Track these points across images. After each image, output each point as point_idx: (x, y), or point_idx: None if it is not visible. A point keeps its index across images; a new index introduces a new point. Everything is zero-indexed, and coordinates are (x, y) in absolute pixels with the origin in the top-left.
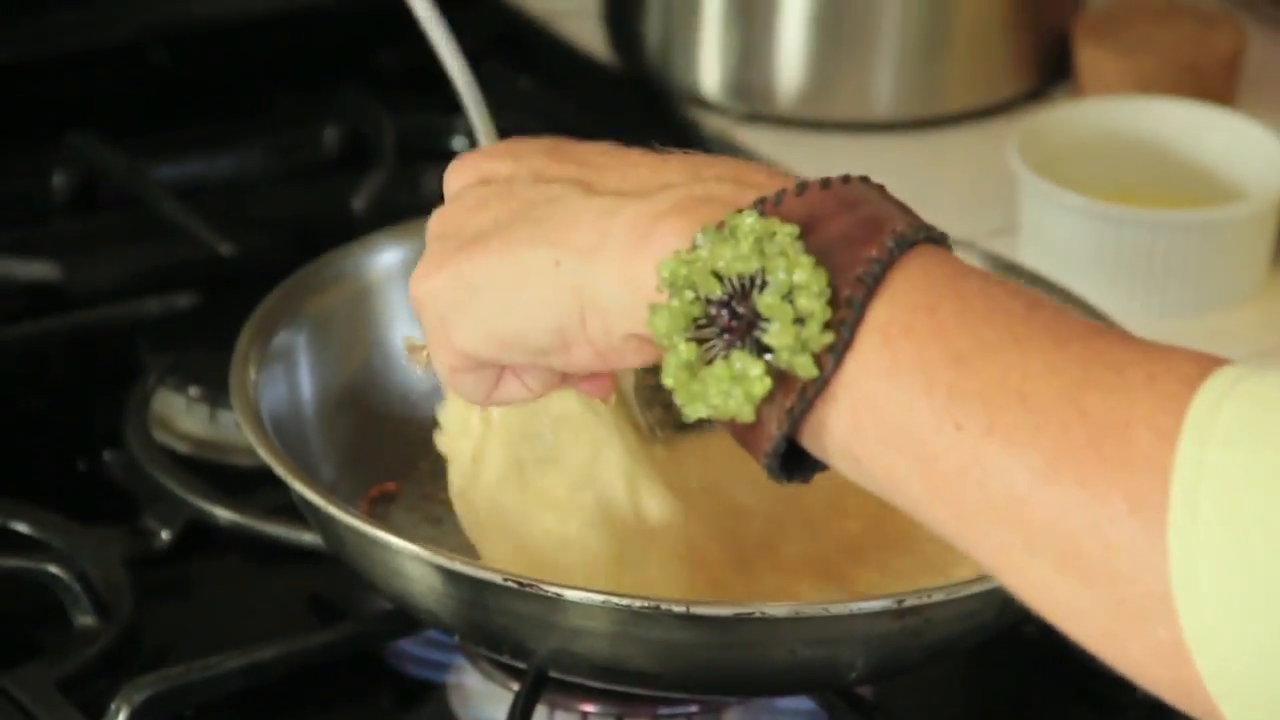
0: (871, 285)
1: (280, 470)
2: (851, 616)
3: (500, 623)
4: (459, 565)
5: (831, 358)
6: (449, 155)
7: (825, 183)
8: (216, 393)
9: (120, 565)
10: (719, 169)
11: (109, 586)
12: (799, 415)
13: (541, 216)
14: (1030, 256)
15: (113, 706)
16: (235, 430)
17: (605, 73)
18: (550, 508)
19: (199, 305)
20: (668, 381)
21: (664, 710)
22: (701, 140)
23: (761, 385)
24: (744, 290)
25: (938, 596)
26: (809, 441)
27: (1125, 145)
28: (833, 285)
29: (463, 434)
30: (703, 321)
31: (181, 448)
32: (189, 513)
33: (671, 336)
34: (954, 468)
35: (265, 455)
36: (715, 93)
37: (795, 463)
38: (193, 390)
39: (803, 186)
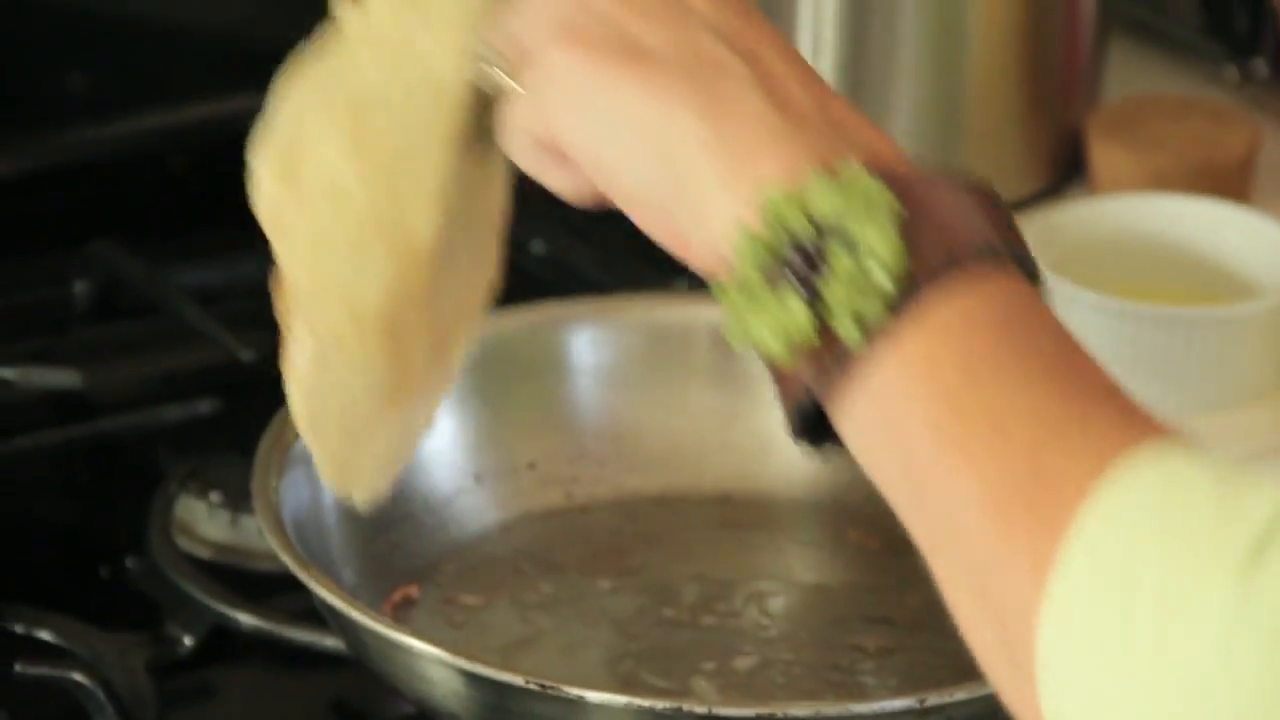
0: (943, 282)
1: (302, 575)
2: (875, 716)
3: None
4: (481, 669)
5: (879, 335)
6: None
7: (944, 170)
8: (238, 498)
9: (144, 672)
10: (853, 118)
11: (133, 694)
12: (832, 378)
13: (707, 83)
14: None
15: None
16: (257, 535)
17: None
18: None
19: (220, 411)
20: (721, 298)
21: None
22: None
23: (803, 334)
24: (823, 239)
25: (960, 695)
26: (833, 412)
27: (1140, 242)
28: (909, 268)
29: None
30: (778, 256)
31: (204, 553)
32: (212, 618)
33: (744, 263)
34: (928, 480)
35: (287, 560)
36: None
37: (820, 433)
38: (214, 496)
39: (921, 163)
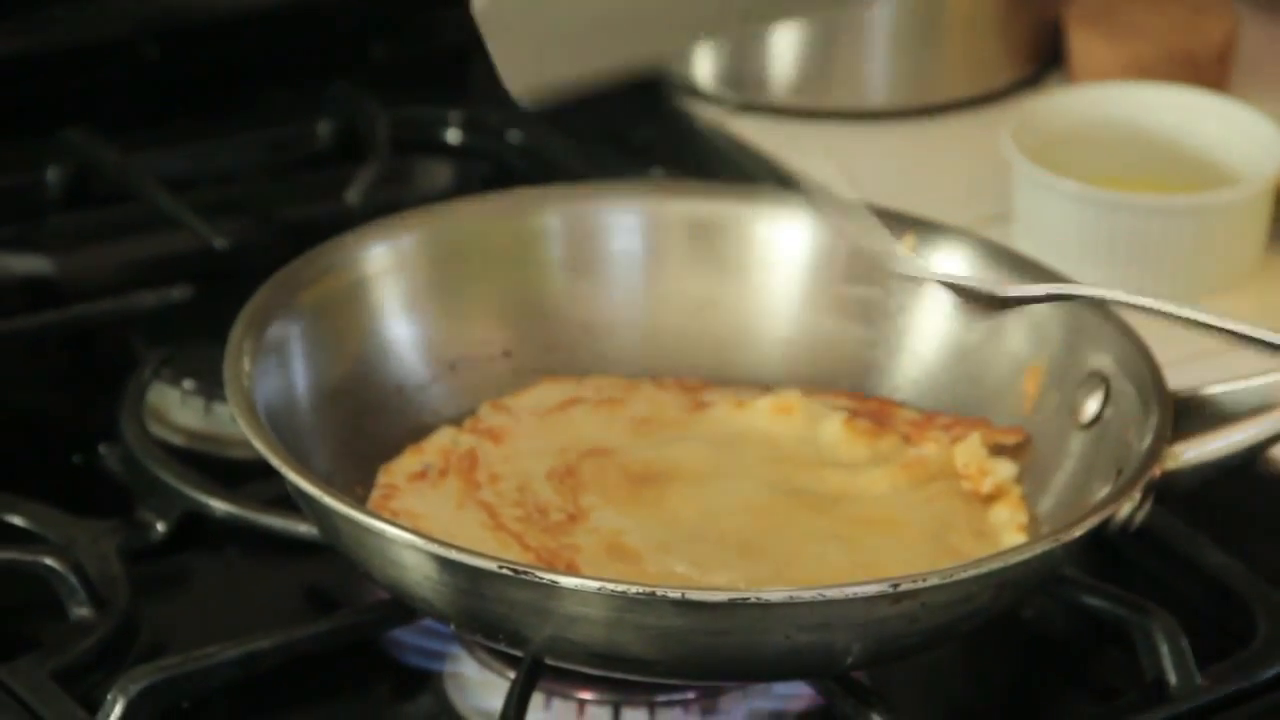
0: None
1: (275, 461)
2: (847, 600)
3: (496, 610)
4: (453, 553)
5: None
6: (442, 148)
7: None
8: (211, 385)
9: (116, 557)
10: None
11: (105, 579)
12: None
13: None
14: (1025, 243)
15: (109, 698)
16: (230, 422)
17: None
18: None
19: (193, 298)
20: None
21: (661, 697)
22: (696, 131)
23: None
24: None
25: (933, 580)
26: None
27: (1118, 131)
28: None
29: None
30: None
31: (177, 440)
32: (185, 505)
33: None
34: None
35: (260, 446)
36: (709, 83)
37: None
38: (187, 383)
39: None
